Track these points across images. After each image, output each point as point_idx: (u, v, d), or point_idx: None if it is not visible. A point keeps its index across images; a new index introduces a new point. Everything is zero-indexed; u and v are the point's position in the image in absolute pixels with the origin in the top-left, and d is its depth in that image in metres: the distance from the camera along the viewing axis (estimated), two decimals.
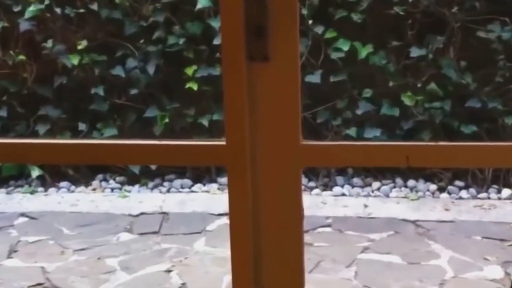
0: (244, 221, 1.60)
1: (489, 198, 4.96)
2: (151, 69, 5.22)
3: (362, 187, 5.15)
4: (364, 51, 5.07)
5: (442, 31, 5.07)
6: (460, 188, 5.05)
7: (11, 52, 5.22)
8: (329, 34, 5.09)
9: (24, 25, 5.19)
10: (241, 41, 1.55)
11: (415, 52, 5.05)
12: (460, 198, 4.98)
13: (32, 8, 5.15)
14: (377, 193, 5.08)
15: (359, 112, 5.13)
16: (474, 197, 4.98)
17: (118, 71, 5.25)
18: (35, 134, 5.25)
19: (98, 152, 1.73)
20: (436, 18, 5.07)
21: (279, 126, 1.59)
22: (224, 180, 5.15)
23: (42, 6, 5.17)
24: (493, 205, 4.86)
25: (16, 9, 5.20)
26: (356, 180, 5.18)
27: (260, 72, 1.58)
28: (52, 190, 5.24)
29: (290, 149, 1.59)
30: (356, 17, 5.05)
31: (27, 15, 5.16)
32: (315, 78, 5.07)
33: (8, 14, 5.24)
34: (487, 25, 4.97)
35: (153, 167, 5.18)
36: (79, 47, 5.19)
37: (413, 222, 4.63)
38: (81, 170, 5.30)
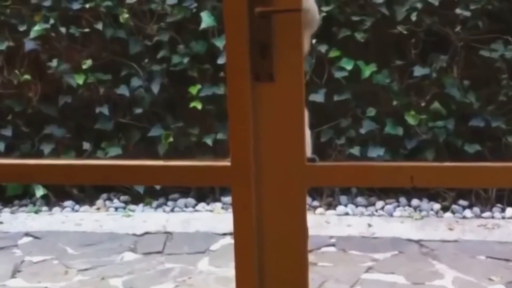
0: (249, 241, 1.60)
1: (493, 217, 4.95)
2: (155, 88, 5.23)
3: (366, 206, 5.14)
4: (367, 70, 5.08)
5: (446, 50, 5.08)
6: (464, 207, 5.04)
7: (16, 71, 5.24)
8: (333, 53, 5.10)
9: (29, 45, 5.21)
10: (246, 61, 1.55)
11: (418, 71, 5.06)
12: (464, 217, 4.97)
13: (37, 27, 5.17)
14: (381, 212, 5.07)
15: (362, 131, 5.13)
16: (478, 216, 4.97)
17: (123, 90, 5.26)
18: (39, 153, 5.26)
19: (103, 172, 1.73)
20: (440, 37, 5.08)
21: (284, 146, 1.59)
22: (228, 199, 5.14)
23: (47, 26, 5.19)
24: (497, 224, 4.85)
25: (22, 28, 5.22)
26: (360, 199, 5.18)
27: (264, 92, 1.58)
28: (56, 209, 5.24)
29: (295, 169, 1.59)
30: (359, 36, 5.07)
31: (32, 34, 5.18)
32: (319, 97, 5.07)
33: (13, 34, 5.26)
34: (490, 44, 4.98)
35: (158, 186, 5.18)
36: (84, 67, 5.21)
37: (417, 241, 4.62)
38: (85, 190, 5.30)
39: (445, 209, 5.05)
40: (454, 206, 5.05)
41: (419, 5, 4.99)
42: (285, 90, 1.58)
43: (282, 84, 1.57)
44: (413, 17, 4.99)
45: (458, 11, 4.96)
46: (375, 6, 5.07)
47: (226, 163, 1.59)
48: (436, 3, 4.97)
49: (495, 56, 4.95)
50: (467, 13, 4.95)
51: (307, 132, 1.92)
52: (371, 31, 5.08)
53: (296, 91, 1.59)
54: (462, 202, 5.07)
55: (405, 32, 5.03)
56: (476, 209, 5.01)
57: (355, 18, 5.08)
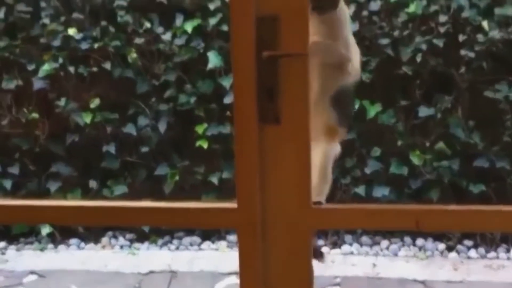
0: (254, 283, 1.61)
1: (498, 257, 4.93)
2: (162, 127, 5.26)
3: (370, 245, 5.13)
4: (372, 110, 5.11)
5: (450, 91, 5.11)
6: (469, 248, 5.03)
7: (25, 110, 5.28)
8: None
9: (37, 84, 5.25)
10: (253, 103, 1.57)
11: (423, 111, 5.09)
12: (469, 257, 4.95)
13: (46, 66, 5.22)
14: (386, 252, 5.06)
15: (367, 170, 5.14)
16: (483, 257, 4.95)
17: (130, 129, 5.29)
18: (46, 192, 5.27)
19: (109, 214, 1.74)
20: (444, 78, 5.11)
21: (289, 189, 1.61)
22: (233, 237, 5.14)
23: (56, 65, 5.24)
24: (502, 265, 4.83)
25: (30, 67, 5.27)
26: (364, 239, 5.17)
27: (271, 134, 1.60)
28: (61, 247, 5.24)
29: (301, 212, 1.60)
30: (364, 76, 5.10)
31: (41, 73, 5.23)
32: None
33: (22, 72, 5.31)
34: (494, 85, 5.01)
35: None
36: (92, 105, 5.24)
37: (422, 282, 4.60)
38: (90, 227, 5.30)
39: (450, 249, 5.03)
40: (459, 246, 5.04)
41: (424, 46, 5.03)
42: (291, 133, 1.60)
43: (288, 127, 1.59)
44: (418, 58, 5.03)
45: (462, 52, 4.99)
46: (380, 47, 5.11)
47: (233, 205, 1.60)
48: (441, 45, 5.01)
49: (500, 97, 4.98)
50: (472, 55, 4.98)
51: (330, 176, 1.94)
52: (376, 71, 5.11)
53: (302, 134, 1.60)
54: (467, 242, 5.06)
55: (410, 73, 5.07)
56: (481, 249, 4.99)
57: None
